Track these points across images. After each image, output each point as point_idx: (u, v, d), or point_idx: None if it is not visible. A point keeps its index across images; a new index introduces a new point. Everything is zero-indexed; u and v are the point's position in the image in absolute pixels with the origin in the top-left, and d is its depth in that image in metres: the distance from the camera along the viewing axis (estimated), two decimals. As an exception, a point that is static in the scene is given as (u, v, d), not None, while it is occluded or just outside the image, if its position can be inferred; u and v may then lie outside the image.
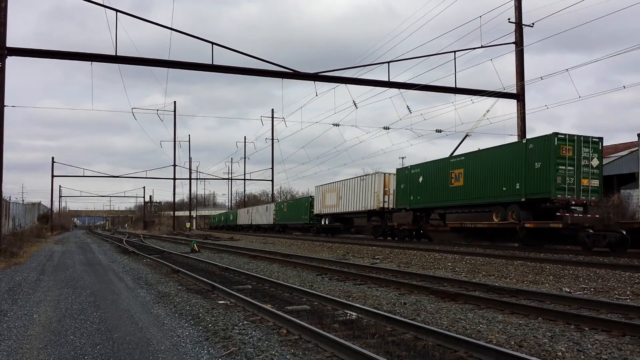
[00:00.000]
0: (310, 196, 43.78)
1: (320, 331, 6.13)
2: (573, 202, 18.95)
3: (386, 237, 30.39)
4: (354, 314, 7.77)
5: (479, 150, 23.24)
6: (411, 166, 28.04)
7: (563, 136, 19.04)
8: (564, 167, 18.84)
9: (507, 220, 20.62)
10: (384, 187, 30.24)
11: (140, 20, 21.89)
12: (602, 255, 16.56)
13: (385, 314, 7.38)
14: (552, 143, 18.93)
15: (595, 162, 19.49)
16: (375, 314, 7.41)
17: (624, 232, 16.80)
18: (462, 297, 9.17)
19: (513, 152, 20.79)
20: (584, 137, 19.50)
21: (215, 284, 10.49)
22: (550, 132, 19.05)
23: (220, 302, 9.03)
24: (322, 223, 38.81)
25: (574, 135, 19.34)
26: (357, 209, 32.91)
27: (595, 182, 19.42)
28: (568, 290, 10.37)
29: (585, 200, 19.22)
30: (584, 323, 7.03)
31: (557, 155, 18.80)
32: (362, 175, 33.91)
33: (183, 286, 11.27)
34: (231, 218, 73.58)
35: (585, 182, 19.27)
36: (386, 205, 29.96)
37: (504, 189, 20.82)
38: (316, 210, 39.85)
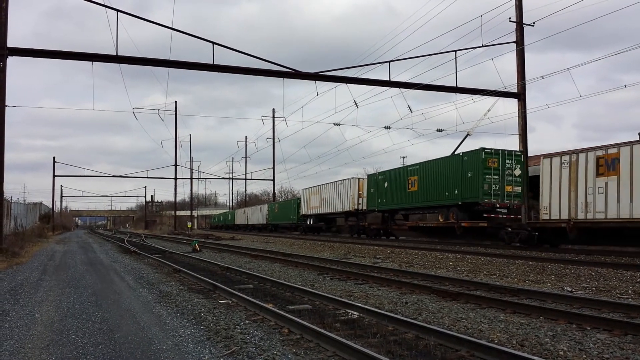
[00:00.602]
0: (298, 198, 46.68)
1: (322, 330, 6.13)
2: (498, 205, 22.56)
3: (360, 235, 33.42)
4: (355, 313, 7.77)
5: (429, 160, 26.76)
6: (378, 173, 31.43)
7: (489, 150, 22.68)
8: (490, 176, 22.45)
9: (449, 220, 24.41)
10: (358, 190, 33.61)
11: (141, 20, 21.91)
12: (600, 254, 16.62)
13: (387, 313, 7.38)
14: (480, 156, 22.60)
15: (517, 172, 22.98)
16: (376, 314, 7.41)
17: (530, 230, 20.09)
18: (464, 297, 9.17)
19: (453, 163, 24.37)
20: (508, 150, 23.24)
21: (217, 284, 10.50)
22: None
23: (221, 301, 9.04)
24: (308, 223, 42.01)
25: (499, 149, 22.96)
26: (337, 210, 36.32)
27: (518, 189, 22.93)
28: (570, 289, 10.37)
29: (509, 204, 22.77)
30: (585, 322, 7.02)
31: (485, 167, 22.43)
32: (341, 180, 36.55)
33: (185, 286, 11.28)
34: (229, 218, 76.01)
35: (509, 188, 22.91)
36: (360, 207, 33.31)
37: (447, 194, 24.52)
38: (302, 211, 43.04)
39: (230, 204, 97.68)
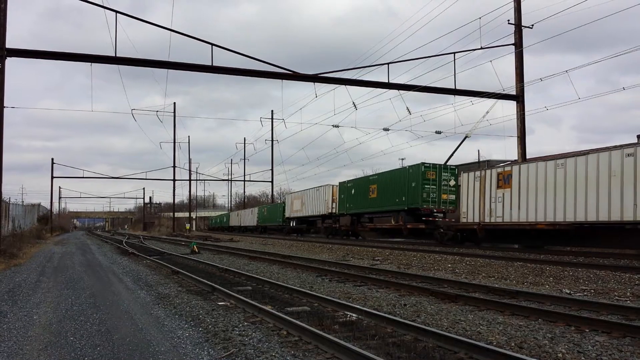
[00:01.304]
0: (284, 202, 50.71)
1: (321, 332, 6.13)
2: (435, 210, 26.54)
3: (334, 235, 37.18)
4: (354, 315, 7.77)
5: (386, 171, 31.27)
6: (347, 181, 35.28)
7: (428, 165, 26.87)
8: (428, 186, 26.56)
9: (398, 222, 28.24)
10: (332, 196, 37.18)
11: (138, 21, 21.88)
12: (598, 256, 16.64)
13: (386, 315, 7.38)
14: (420, 169, 26.67)
15: (452, 183, 26.81)
16: (375, 316, 7.41)
17: (455, 231, 24.00)
18: (462, 299, 9.17)
19: (402, 174, 28.53)
20: (444, 165, 27.56)
21: (215, 285, 10.49)
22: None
23: (220, 303, 9.03)
24: (291, 225, 46.18)
25: (437, 164, 27.13)
26: (315, 214, 40.11)
27: (452, 196, 26.68)
28: (568, 291, 10.37)
29: (444, 209, 26.78)
30: (584, 324, 7.03)
31: (424, 178, 26.52)
32: (317, 187, 40.32)
33: (183, 287, 11.27)
34: (225, 220, 79.16)
35: (444, 196, 26.91)
36: (334, 211, 36.95)
37: (397, 200, 28.32)
38: (287, 214, 46.85)
39: (229, 205, 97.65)
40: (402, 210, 27.76)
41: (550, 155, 23.48)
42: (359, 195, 32.94)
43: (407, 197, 27.37)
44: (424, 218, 26.53)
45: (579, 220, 17.37)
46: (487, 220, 21.53)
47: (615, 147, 18.41)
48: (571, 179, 17.83)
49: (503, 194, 20.88)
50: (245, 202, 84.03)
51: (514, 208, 20.23)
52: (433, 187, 26.66)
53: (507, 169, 21.06)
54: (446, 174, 27.03)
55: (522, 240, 21.30)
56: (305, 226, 44.01)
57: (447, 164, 27.90)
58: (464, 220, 22.96)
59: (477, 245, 22.92)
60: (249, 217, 62.49)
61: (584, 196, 17.24)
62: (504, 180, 20.98)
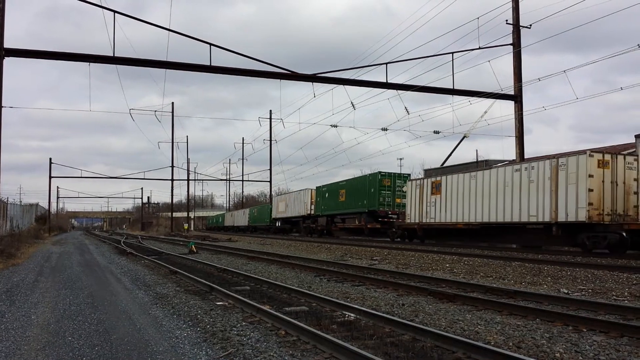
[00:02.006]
0: (270, 204, 55.30)
1: (319, 332, 6.13)
2: (390, 212, 31.08)
3: (312, 234, 41.14)
4: (352, 315, 7.77)
5: (351, 179, 36.18)
6: (322, 186, 39.81)
7: (385, 173, 31.89)
8: (384, 192, 31.34)
9: (361, 223, 33.15)
10: (311, 199, 41.50)
11: (136, 20, 21.82)
12: (599, 256, 16.68)
13: (384, 315, 7.38)
14: (377, 177, 31.60)
15: (405, 189, 28.92)
16: (373, 315, 7.42)
17: (403, 230, 27.87)
18: (460, 298, 9.18)
19: (364, 181, 33.49)
20: (398, 174, 32.75)
21: (214, 285, 10.49)
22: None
23: (218, 303, 9.03)
24: (277, 225, 50.36)
25: (392, 173, 32.44)
26: (297, 215, 44.16)
27: (405, 201, 28.89)
28: (566, 291, 10.39)
29: (397, 212, 30.72)
30: (582, 324, 7.04)
31: (381, 185, 31.35)
32: (299, 190, 45.12)
33: (181, 287, 11.26)
34: (220, 220, 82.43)
35: (398, 200, 31.11)
36: (312, 212, 41.17)
37: (360, 204, 33.08)
38: (273, 215, 51.25)
39: (227, 205, 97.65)
40: (364, 212, 32.51)
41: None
42: (331, 199, 37.69)
43: (367, 201, 32.02)
44: (380, 219, 31.23)
45: (485, 221, 21.69)
46: (424, 221, 25.80)
47: (510, 163, 23.50)
48: (480, 188, 22.08)
49: (435, 199, 25.03)
50: (244, 202, 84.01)
51: (442, 211, 24.51)
52: (388, 192, 31.43)
53: (439, 178, 25.07)
54: (400, 181, 31.65)
55: (449, 238, 25.20)
56: (289, 226, 48.15)
57: (402, 173, 33.82)
58: (408, 221, 27.18)
59: (422, 242, 26.81)
60: (242, 218, 66.22)
61: (488, 202, 21.49)
62: (436, 188, 25.11)
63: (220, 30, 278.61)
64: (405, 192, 28.39)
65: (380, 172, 31.76)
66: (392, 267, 15.56)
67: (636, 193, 17.86)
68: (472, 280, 12.28)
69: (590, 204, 17.49)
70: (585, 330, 6.83)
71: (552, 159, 19.18)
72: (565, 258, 16.41)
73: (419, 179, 27.63)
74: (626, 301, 9.21)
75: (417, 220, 26.20)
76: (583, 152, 18.18)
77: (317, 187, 40.60)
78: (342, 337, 6.21)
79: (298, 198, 44.40)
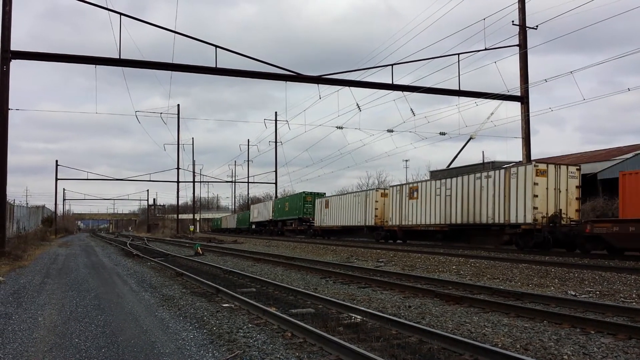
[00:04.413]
0: (249, 210, 68.06)
1: (325, 334, 6.11)
2: (310, 219, 44.33)
3: (272, 234, 53.42)
4: (358, 317, 7.75)
5: (291, 195, 52.35)
6: (277, 199, 57.52)
7: (308, 193, 46.21)
8: (307, 205, 45.10)
9: (295, 226, 47.43)
10: (272, 208, 54.47)
11: (138, 21, 21.89)
12: (603, 258, 16.61)
13: (390, 317, 7.36)
14: (302, 195, 46.29)
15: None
16: (379, 317, 7.39)
17: (385, 231, 31.70)
18: (467, 301, 9.14)
19: (297, 197, 48.05)
20: (317, 193, 46.43)
21: (220, 287, 10.49)
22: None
23: (224, 305, 9.03)
24: (252, 227, 63.15)
25: (312, 192, 46.28)
26: (264, 219, 57.35)
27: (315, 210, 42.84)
28: (573, 293, 10.33)
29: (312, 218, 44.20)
30: (589, 326, 6.99)
31: (305, 201, 45.43)
32: (265, 201, 61.67)
33: (187, 289, 11.28)
34: (219, 223, 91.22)
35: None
36: (272, 218, 54.14)
37: (294, 212, 47.24)
38: (251, 220, 63.73)
39: (233, 207, 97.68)
40: (296, 218, 46.77)
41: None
42: (282, 209, 51.13)
43: (298, 211, 46.35)
44: (304, 223, 45.31)
45: (454, 223, 24.79)
46: (403, 223, 29.07)
47: (474, 171, 26.52)
48: (449, 194, 25.08)
49: (413, 203, 28.07)
50: (249, 204, 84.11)
51: (418, 214, 27.54)
52: (310, 205, 44.86)
53: (416, 185, 28.59)
54: (319, 198, 42.95)
55: (424, 238, 29.22)
56: (260, 228, 60.10)
57: (318, 192, 46.83)
58: (390, 223, 30.28)
59: (404, 242, 30.18)
60: (232, 221, 78.06)
61: (456, 206, 24.54)
62: (413, 194, 28.02)
63: (221, 31, 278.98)
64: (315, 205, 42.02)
65: (304, 192, 46.56)
66: (398, 269, 15.52)
67: (578, 199, 20.98)
68: (479, 282, 12.24)
69: (535, 207, 20.10)
70: (593, 332, 6.79)
71: (506, 168, 22.45)
72: (573, 260, 16.33)
73: (399, 185, 30.71)
74: (634, 303, 9.15)
75: (397, 223, 29.51)
76: (530, 162, 21.65)
77: (275, 200, 57.46)
78: (349, 339, 6.19)
79: (265, 207, 58.04)
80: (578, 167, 21.56)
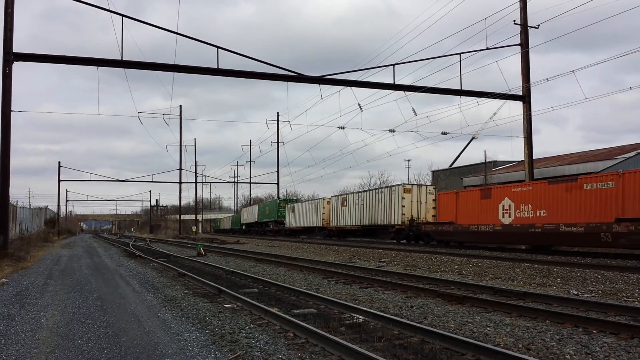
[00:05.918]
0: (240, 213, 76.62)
1: (327, 334, 6.12)
2: (283, 221, 51.21)
3: (258, 234, 60.68)
4: (360, 317, 7.76)
5: (268, 201, 63.32)
6: (260, 204, 65.74)
7: (283, 199, 59.24)
8: (282, 209, 52.55)
9: (272, 227, 55.34)
10: (257, 211, 62.09)
11: (139, 22, 21.93)
12: (606, 257, 16.59)
13: (392, 317, 7.36)
14: (277, 201, 55.86)
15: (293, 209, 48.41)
16: (382, 317, 7.40)
17: (326, 231, 41.23)
18: (469, 300, 9.14)
19: (274, 203, 56.47)
20: (289, 199, 61.38)
21: (222, 288, 10.50)
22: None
23: (226, 305, 9.04)
24: (242, 228, 69.47)
25: (287, 199, 61.50)
26: (251, 221, 64.68)
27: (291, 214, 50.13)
28: (576, 292, 10.32)
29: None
30: (592, 326, 6.99)
31: (279, 206, 53.70)
32: (252, 205, 69.99)
33: (190, 290, 11.29)
34: (218, 224, 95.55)
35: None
36: (257, 220, 61.51)
37: (272, 215, 55.11)
38: (242, 221, 70.55)
39: (235, 208, 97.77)
40: (273, 220, 55.03)
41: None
42: (264, 212, 59.29)
43: (275, 214, 54.05)
44: (278, 225, 53.20)
45: (365, 224, 34.23)
46: (338, 224, 38.49)
47: (380, 188, 37.45)
48: (363, 203, 34.52)
49: (344, 210, 37.50)
50: (251, 204, 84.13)
51: (347, 218, 37.01)
52: (283, 209, 52.02)
53: (346, 196, 38.35)
54: (289, 204, 51.25)
55: (350, 235, 38.13)
56: (249, 229, 66.06)
57: (291, 198, 60.87)
58: (331, 225, 39.94)
59: (339, 239, 38.50)
60: (228, 222, 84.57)
61: (366, 212, 33.94)
62: (343, 202, 37.71)
63: (221, 31, 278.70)
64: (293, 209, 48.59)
65: (279, 198, 58.73)
66: (400, 269, 15.52)
67: (434, 208, 29.79)
68: (481, 282, 12.23)
69: (403, 214, 29.84)
70: (595, 331, 6.79)
71: (390, 187, 32.04)
72: (575, 259, 16.32)
73: (338, 195, 41.62)
74: (637, 302, 9.14)
75: (335, 224, 39.19)
76: (400, 184, 31.32)
77: (258, 205, 65.76)
78: (351, 339, 6.20)
79: (251, 210, 66.06)
80: (435, 187, 32.52)
